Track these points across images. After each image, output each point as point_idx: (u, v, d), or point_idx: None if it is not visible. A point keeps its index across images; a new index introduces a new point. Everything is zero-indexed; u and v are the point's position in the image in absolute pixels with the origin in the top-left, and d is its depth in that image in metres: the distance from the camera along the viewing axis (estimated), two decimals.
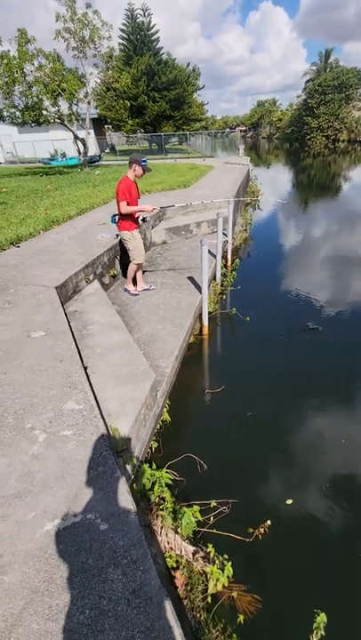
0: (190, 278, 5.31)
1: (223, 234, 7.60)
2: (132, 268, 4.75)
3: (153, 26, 26.13)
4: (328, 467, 3.10)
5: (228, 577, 2.01)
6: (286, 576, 2.39)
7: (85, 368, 2.66)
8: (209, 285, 5.03)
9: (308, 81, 54.03)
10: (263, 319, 5.41)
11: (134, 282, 4.94)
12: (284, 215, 12.63)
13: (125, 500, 1.53)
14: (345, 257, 8.31)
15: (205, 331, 4.97)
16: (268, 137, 73.02)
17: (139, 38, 25.46)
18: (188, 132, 24.15)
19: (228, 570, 2.00)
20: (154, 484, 2.55)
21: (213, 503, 2.62)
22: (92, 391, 2.29)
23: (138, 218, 4.47)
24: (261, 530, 2.55)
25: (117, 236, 5.11)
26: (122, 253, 5.08)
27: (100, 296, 4.19)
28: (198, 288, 4.99)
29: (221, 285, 6.08)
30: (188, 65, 26.60)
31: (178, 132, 24.76)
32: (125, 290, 4.94)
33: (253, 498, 2.84)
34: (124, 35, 25.82)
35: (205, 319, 4.89)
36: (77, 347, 2.80)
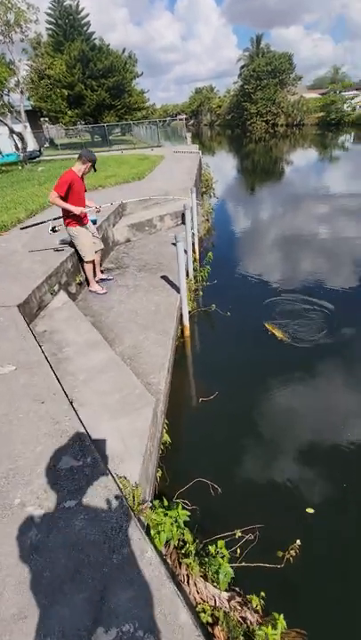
0: (164, 277, 4.94)
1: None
2: (86, 267, 4.51)
3: (82, 9, 24.62)
4: (345, 468, 2.94)
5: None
6: (326, 601, 2.19)
7: (71, 402, 2.22)
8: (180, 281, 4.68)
9: (242, 67, 54.71)
10: (243, 312, 5.21)
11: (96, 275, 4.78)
12: (241, 202, 12.58)
13: (168, 590, 1.18)
14: (306, 236, 8.40)
15: (187, 332, 4.65)
16: (209, 124, 73.32)
17: (67, 22, 23.85)
18: (132, 122, 23.22)
19: (282, 622, 1.73)
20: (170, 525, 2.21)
21: (238, 533, 2.34)
22: (89, 435, 1.87)
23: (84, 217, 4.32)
24: (292, 552, 2.32)
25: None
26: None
27: (71, 309, 3.69)
28: (174, 287, 4.64)
29: (195, 281, 5.77)
30: (124, 51, 25.50)
31: (121, 122, 23.73)
32: (91, 291, 4.55)
33: (275, 516, 2.61)
34: (52, 19, 24.04)
35: (186, 320, 4.58)
36: (58, 379, 2.34)
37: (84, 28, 24.51)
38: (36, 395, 2.10)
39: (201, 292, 5.46)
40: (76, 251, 4.46)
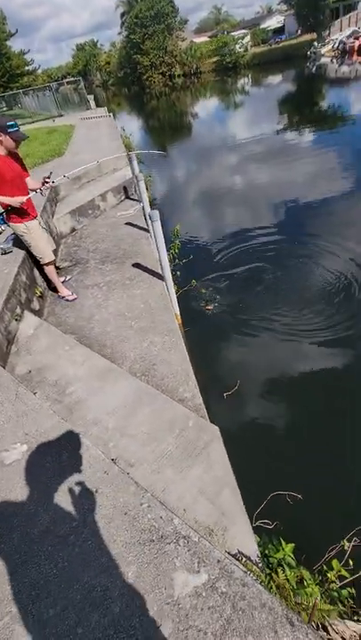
0: (137, 265, 4.24)
1: (133, 199, 6.48)
2: (47, 270, 3.65)
3: None
4: None
5: None
6: None
7: (123, 471, 1.63)
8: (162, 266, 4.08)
9: (122, 14, 50.37)
10: (230, 281, 4.83)
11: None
12: (165, 163, 11.79)
13: None
14: (249, 185, 8.21)
15: (178, 320, 4.12)
16: (102, 84, 67.56)
17: None
18: (21, 91, 20.05)
19: None
20: (280, 565, 1.83)
21: (346, 544, 2.05)
22: (187, 525, 1.34)
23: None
24: None
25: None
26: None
27: (49, 333, 2.92)
28: (154, 274, 4.01)
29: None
30: None
31: (7, 92, 20.37)
32: (61, 297, 3.78)
33: None
34: None
35: (176, 308, 4.03)
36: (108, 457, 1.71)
37: None
38: (77, 480, 1.48)
39: (178, 272, 4.88)
40: (29, 252, 3.56)
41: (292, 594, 1.30)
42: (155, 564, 1.19)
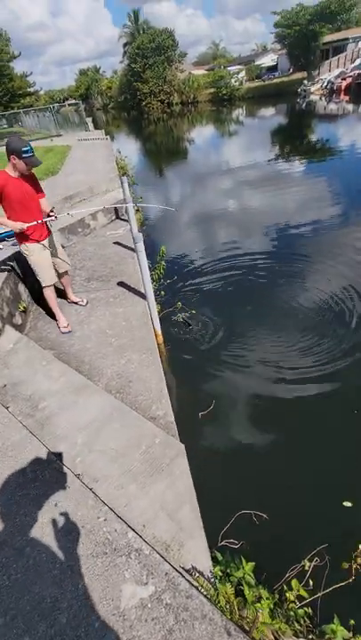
0: (121, 284, 4.36)
1: (123, 219, 6.67)
2: (45, 295, 3.53)
3: None
4: None
5: None
6: None
7: (87, 485, 1.67)
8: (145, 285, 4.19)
9: (125, 44, 52.89)
10: (214, 303, 4.96)
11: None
12: (160, 186, 12.17)
13: None
14: (241, 211, 8.48)
15: (160, 340, 4.21)
16: (102, 108, 69.96)
17: None
18: (21, 111, 20.65)
19: None
20: (239, 585, 1.86)
21: (307, 564, 2.09)
22: (139, 535, 1.38)
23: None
24: (359, 560, 2.16)
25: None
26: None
27: (28, 348, 2.97)
28: (138, 294, 4.13)
29: (152, 280, 5.28)
30: None
31: (8, 112, 20.98)
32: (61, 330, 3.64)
33: (330, 526, 2.42)
34: None
35: (158, 327, 4.12)
36: (60, 457, 1.76)
37: None
38: (39, 493, 1.52)
39: (163, 292, 5.00)
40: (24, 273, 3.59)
41: (236, 607, 1.34)
42: (105, 575, 1.23)
